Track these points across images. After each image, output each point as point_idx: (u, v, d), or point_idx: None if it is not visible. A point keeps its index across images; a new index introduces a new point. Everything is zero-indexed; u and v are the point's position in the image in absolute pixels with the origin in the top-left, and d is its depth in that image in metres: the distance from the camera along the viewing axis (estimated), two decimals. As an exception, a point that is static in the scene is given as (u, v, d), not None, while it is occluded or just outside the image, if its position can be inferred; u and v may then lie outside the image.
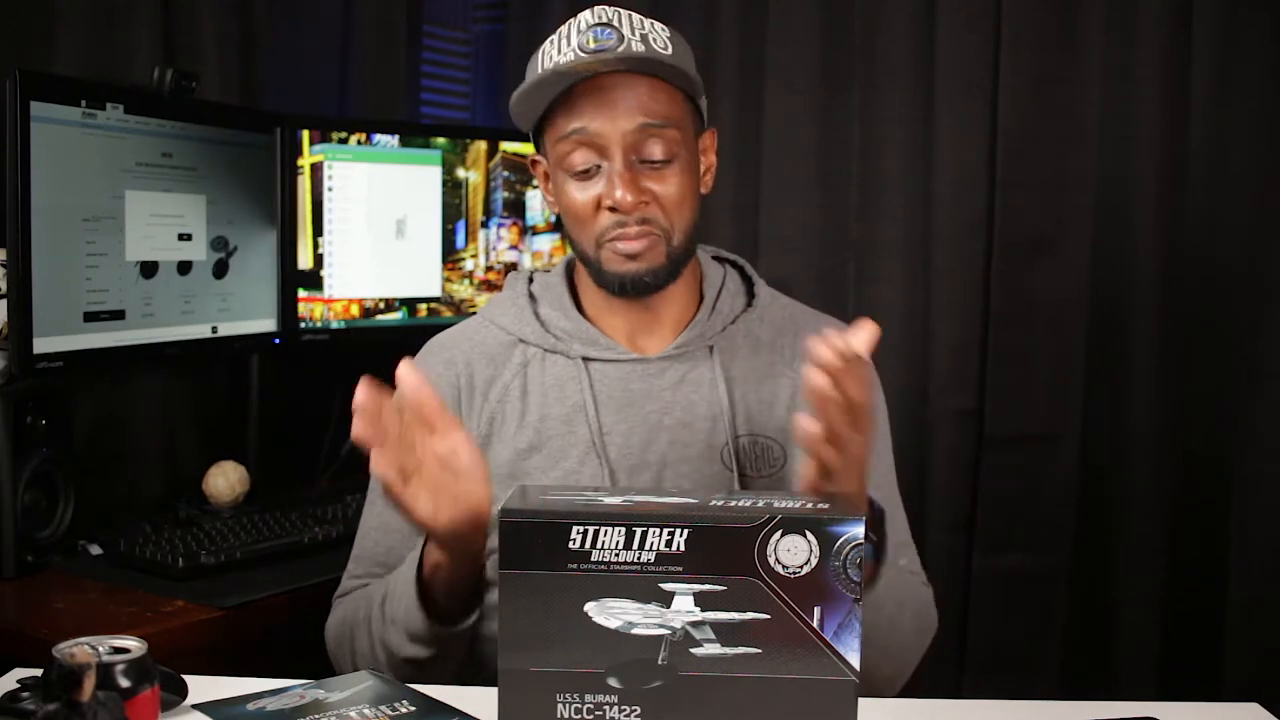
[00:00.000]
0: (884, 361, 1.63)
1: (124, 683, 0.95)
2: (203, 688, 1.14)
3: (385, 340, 2.24)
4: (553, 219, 2.38)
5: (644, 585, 1.02)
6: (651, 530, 1.02)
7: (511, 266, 2.34)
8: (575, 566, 1.02)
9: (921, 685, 1.42)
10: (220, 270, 2.02)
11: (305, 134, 2.10)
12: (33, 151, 1.66)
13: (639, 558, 1.02)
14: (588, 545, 1.02)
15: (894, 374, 2.07)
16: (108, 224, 1.80)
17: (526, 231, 2.37)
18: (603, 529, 1.02)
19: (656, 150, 1.30)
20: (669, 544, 1.02)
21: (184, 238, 1.94)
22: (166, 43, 2.07)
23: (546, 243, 2.39)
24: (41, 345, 1.68)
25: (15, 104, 1.64)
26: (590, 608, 1.02)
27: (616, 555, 1.02)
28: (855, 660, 1.01)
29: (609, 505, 1.05)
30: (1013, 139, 2.09)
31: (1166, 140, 2.06)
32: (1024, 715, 1.23)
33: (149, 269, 1.88)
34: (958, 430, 2.14)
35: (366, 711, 1.11)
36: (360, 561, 1.41)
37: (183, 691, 1.11)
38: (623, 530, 1.02)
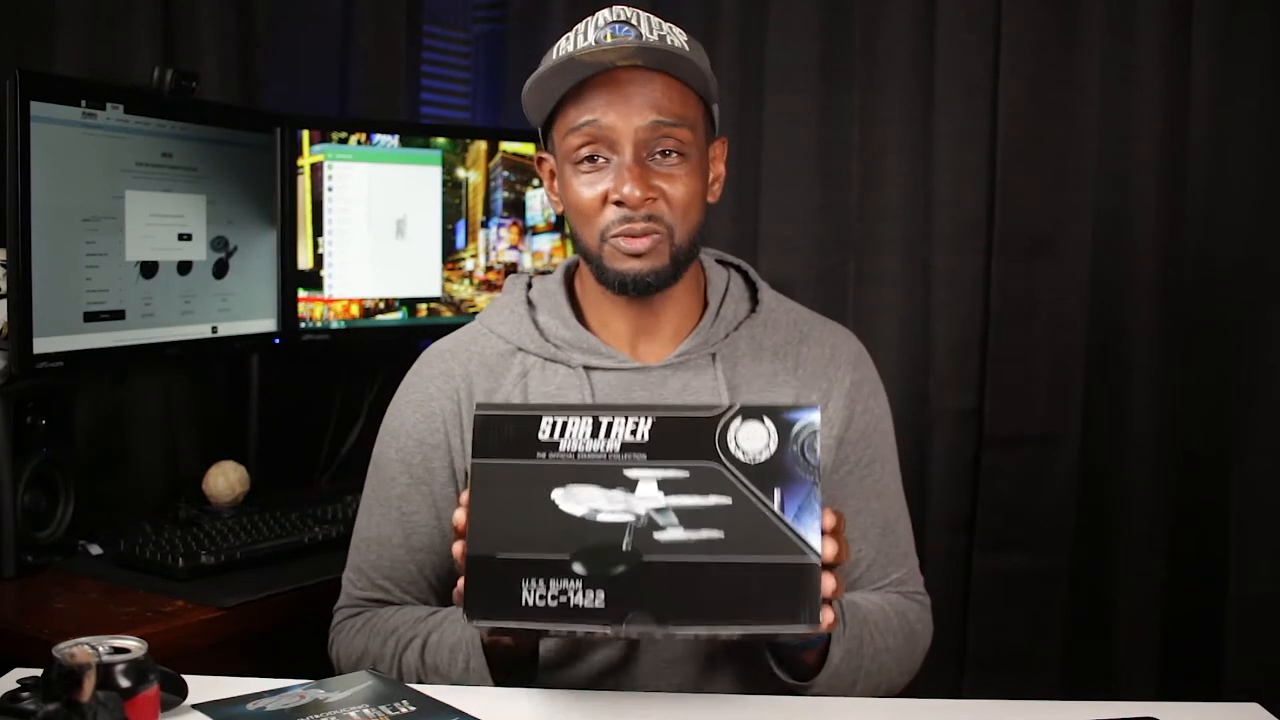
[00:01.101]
0: (884, 361, 1.63)
1: (124, 683, 0.95)
2: (203, 688, 1.14)
3: (385, 340, 2.24)
4: (553, 219, 2.38)
5: (610, 473, 1.05)
6: (617, 420, 1.06)
7: (511, 267, 2.34)
8: (544, 455, 1.06)
9: (921, 685, 1.42)
10: (220, 270, 2.02)
11: (305, 134, 2.10)
12: (33, 151, 1.66)
13: (605, 446, 1.06)
14: (556, 435, 1.07)
15: (894, 374, 2.06)
16: (108, 224, 1.80)
17: (526, 231, 2.37)
18: (571, 419, 1.07)
19: (668, 147, 1.28)
20: (634, 433, 1.06)
21: (184, 238, 1.94)
22: (166, 43, 2.07)
23: (546, 243, 2.39)
24: (41, 345, 1.68)
25: (15, 104, 1.64)
26: (557, 495, 1.05)
27: (584, 444, 1.06)
28: (816, 541, 1.03)
29: (579, 405, 1.09)
30: (1013, 139, 2.09)
31: (1166, 140, 2.06)
32: (1024, 715, 1.23)
33: (149, 269, 1.88)
34: (958, 430, 2.14)
35: (366, 711, 1.11)
36: (362, 573, 1.38)
37: (183, 691, 1.11)
38: (590, 420, 1.07)
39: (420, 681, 1.26)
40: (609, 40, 1.26)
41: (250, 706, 1.12)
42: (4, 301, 1.72)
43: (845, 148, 2.20)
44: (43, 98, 1.68)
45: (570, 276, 1.42)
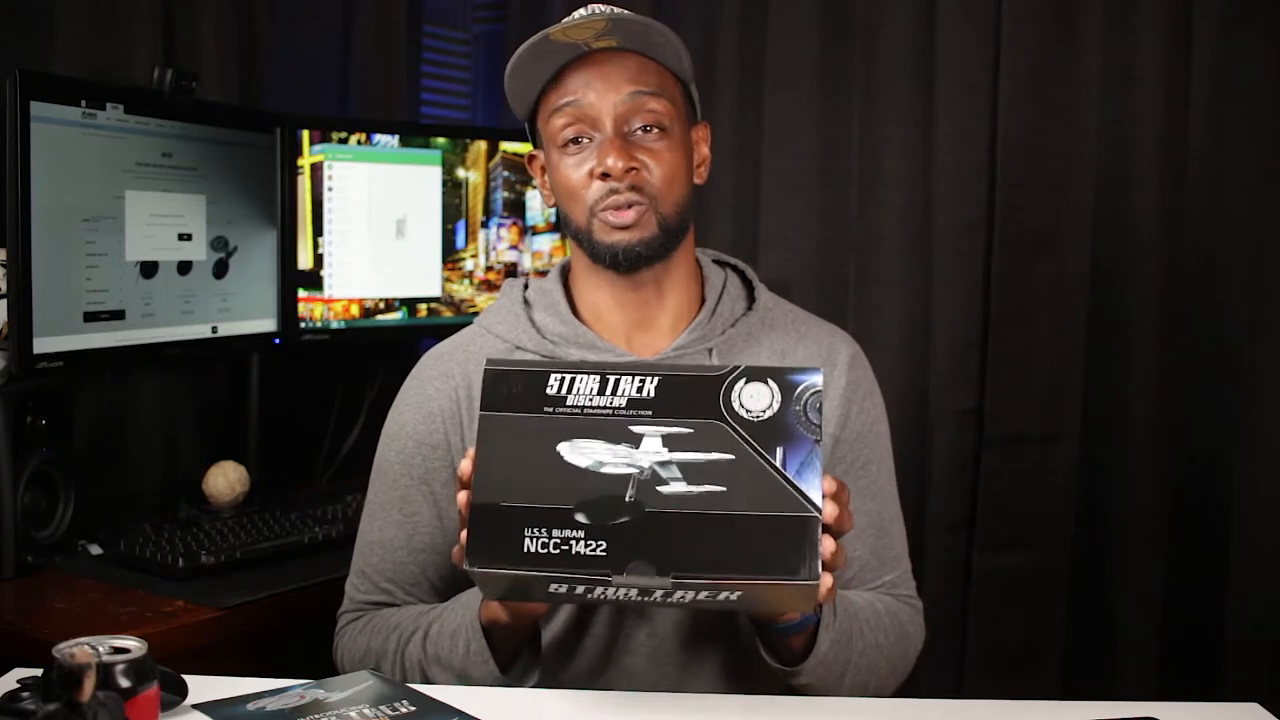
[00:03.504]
0: (884, 361, 1.64)
1: (124, 683, 0.95)
2: (203, 688, 1.14)
3: (385, 340, 2.24)
4: (552, 218, 2.38)
5: (615, 427, 1.07)
6: (624, 378, 1.08)
7: (511, 267, 2.34)
8: (551, 410, 1.08)
9: (921, 685, 1.42)
10: (220, 270, 2.02)
11: (305, 134, 2.10)
12: (33, 151, 1.66)
13: (611, 403, 1.08)
14: (564, 391, 1.09)
15: (894, 374, 2.07)
16: (108, 224, 1.80)
17: (526, 231, 2.37)
18: (579, 376, 1.09)
19: (649, 122, 1.31)
20: (640, 390, 1.08)
21: (184, 238, 1.94)
22: (166, 43, 2.07)
23: (546, 243, 2.39)
24: (41, 345, 1.68)
25: (15, 104, 1.64)
26: (563, 447, 1.06)
27: (590, 400, 1.08)
28: (817, 497, 1.04)
29: (587, 363, 1.11)
30: (1013, 139, 2.09)
31: (1166, 140, 2.06)
32: (1024, 715, 1.23)
33: (149, 269, 1.88)
34: (958, 430, 2.14)
35: (366, 711, 1.11)
36: (365, 577, 1.39)
37: (183, 691, 1.11)
38: (597, 378, 1.09)
39: (425, 674, 1.26)
40: (580, 15, 1.29)
41: (250, 706, 1.12)
42: (4, 301, 1.72)
43: (845, 148, 2.20)
44: (43, 98, 1.68)
45: (566, 275, 1.43)
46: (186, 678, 1.12)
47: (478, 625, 1.22)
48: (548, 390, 1.08)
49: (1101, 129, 2.09)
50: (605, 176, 1.29)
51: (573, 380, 1.08)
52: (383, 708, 1.12)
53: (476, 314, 1.50)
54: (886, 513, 1.41)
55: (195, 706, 1.11)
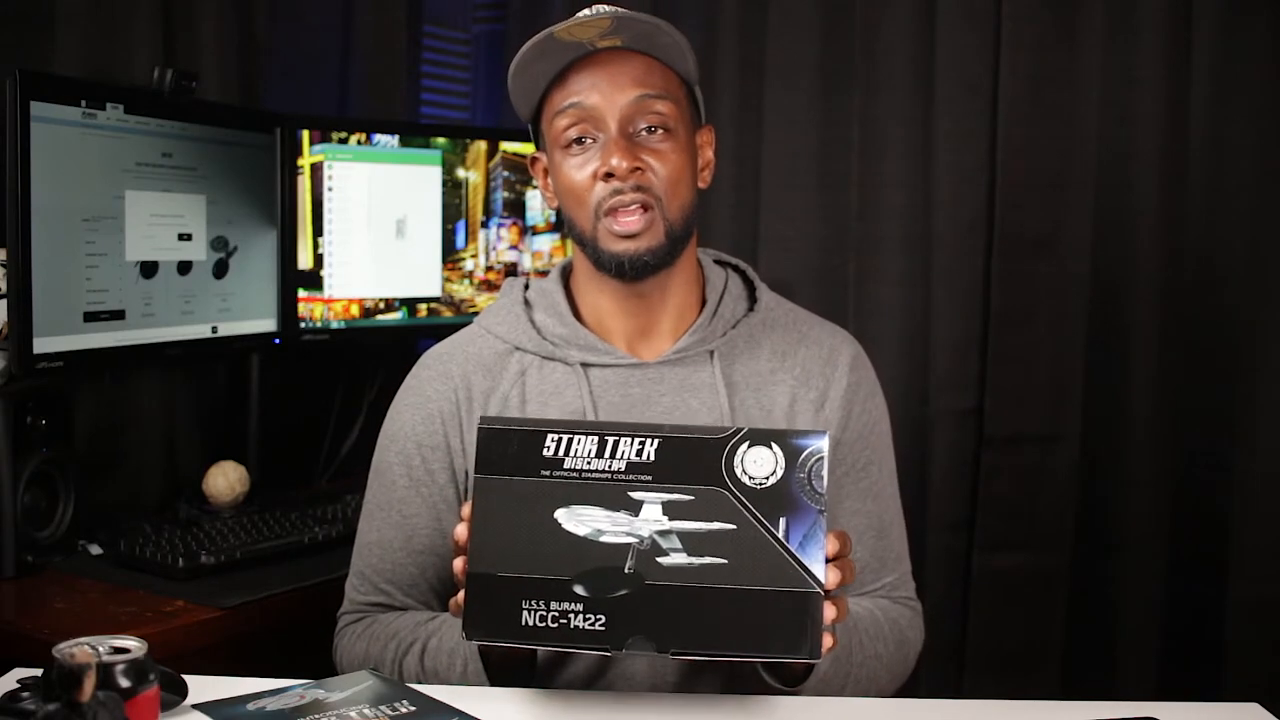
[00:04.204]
0: (884, 361, 1.63)
1: (124, 683, 0.95)
2: (203, 688, 1.14)
3: (385, 340, 2.24)
4: (553, 218, 2.38)
5: (614, 493, 1.04)
6: (623, 440, 1.05)
7: (511, 267, 2.34)
8: (548, 473, 1.05)
9: (921, 685, 1.42)
10: (220, 270, 2.02)
11: (305, 134, 2.10)
12: (33, 151, 1.66)
13: (610, 466, 1.05)
14: (561, 453, 1.06)
15: (894, 374, 2.07)
16: (108, 224, 1.80)
17: (526, 231, 2.37)
18: (576, 437, 1.06)
19: (653, 123, 1.30)
20: (640, 453, 1.05)
21: (184, 238, 1.94)
22: (166, 43, 2.07)
23: (546, 243, 2.39)
24: (41, 345, 1.68)
25: (15, 104, 1.64)
26: (561, 514, 1.04)
27: (589, 463, 1.05)
28: (820, 571, 1.03)
29: (584, 422, 1.08)
30: (1013, 139, 2.09)
31: (1166, 140, 2.06)
32: (1024, 715, 1.23)
33: (149, 269, 1.88)
34: (958, 430, 2.14)
35: (366, 711, 1.11)
36: (364, 578, 1.38)
37: (183, 691, 1.11)
38: (595, 439, 1.06)
39: (420, 684, 1.26)
40: (585, 15, 1.28)
41: (250, 706, 1.12)
42: (4, 301, 1.72)
43: (845, 148, 2.20)
44: (43, 98, 1.68)
45: (567, 276, 1.43)
46: (186, 678, 1.12)
47: (476, 647, 1.22)
48: (544, 451, 1.05)
49: (1101, 129, 2.09)
50: (610, 177, 1.28)
51: (570, 440, 1.06)
52: (383, 708, 1.12)
53: (476, 314, 1.49)
54: (887, 514, 1.40)
55: (195, 706, 1.11)
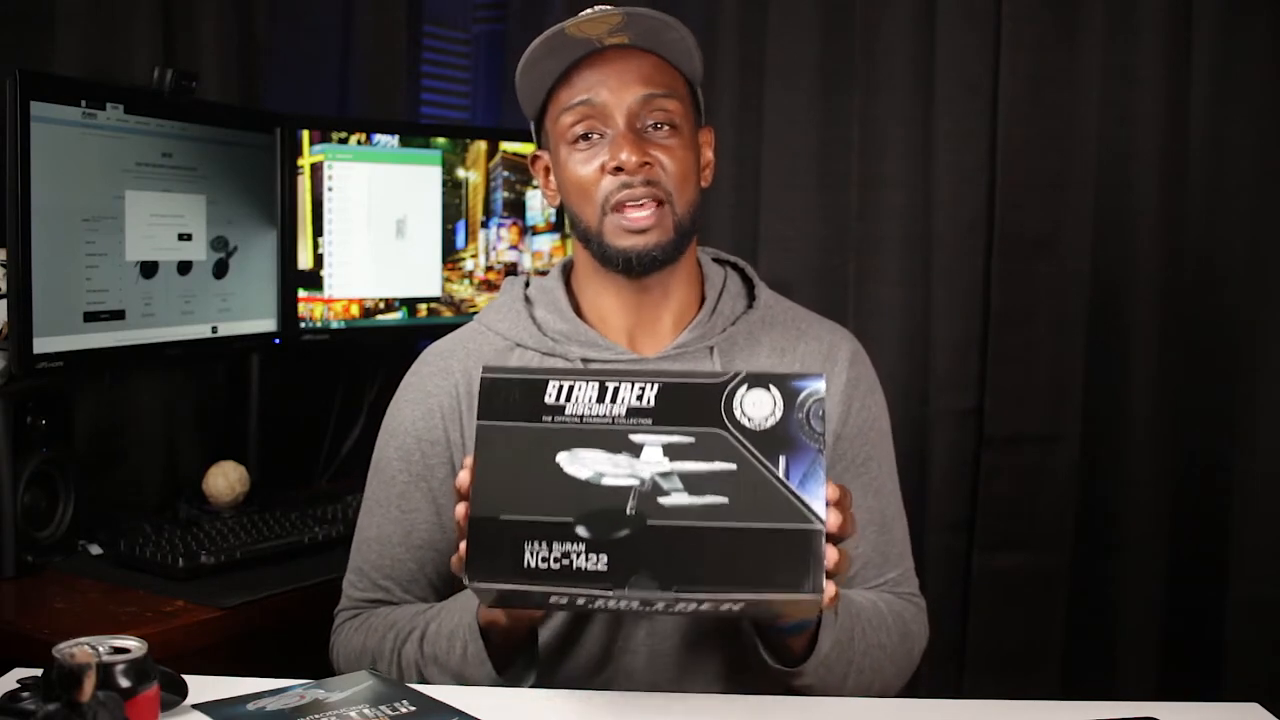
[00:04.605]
0: (884, 361, 1.63)
1: (124, 683, 0.95)
2: (203, 688, 1.14)
3: (385, 340, 2.24)
4: (553, 218, 2.38)
5: (615, 437, 1.05)
6: (624, 385, 1.06)
7: (512, 267, 2.34)
8: (550, 419, 1.06)
9: (921, 685, 1.42)
10: (220, 270, 2.02)
11: (305, 134, 2.10)
12: (33, 151, 1.66)
13: (611, 411, 1.06)
14: (562, 399, 1.06)
15: (894, 374, 2.06)
16: (108, 224, 1.80)
17: (526, 231, 2.37)
18: (577, 383, 1.07)
19: (660, 120, 1.31)
20: (640, 398, 1.06)
21: (184, 238, 1.94)
22: (166, 43, 2.07)
23: (546, 243, 2.39)
24: (41, 345, 1.68)
25: (15, 104, 1.64)
26: (562, 458, 1.05)
27: (589, 408, 1.06)
28: (820, 508, 1.03)
29: (585, 370, 1.09)
30: (1013, 139, 2.09)
31: (1166, 140, 2.06)
32: (1024, 715, 1.23)
33: (149, 269, 1.88)
34: (958, 430, 2.14)
35: (366, 711, 1.11)
36: (363, 574, 1.38)
37: (183, 691, 1.11)
38: (596, 385, 1.07)
39: (421, 674, 1.26)
40: (594, 11, 1.28)
41: (250, 706, 1.12)
42: (4, 301, 1.72)
43: (845, 148, 2.20)
44: (43, 98, 1.68)
45: (567, 274, 1.43)
46: (186, 678, 1.12)
47: (475, 627, 1.22)
48: (546, 398, 1.06)
49: (1101, 129, 2.09)
50: (618, 171, 1.29)
51: (571, 388, 1.06)
52: (382, 708, 1.12)
53: (476, 314, 1.49)
54: (888, 510, 1.40)
55: (195, 706, 1.11)
